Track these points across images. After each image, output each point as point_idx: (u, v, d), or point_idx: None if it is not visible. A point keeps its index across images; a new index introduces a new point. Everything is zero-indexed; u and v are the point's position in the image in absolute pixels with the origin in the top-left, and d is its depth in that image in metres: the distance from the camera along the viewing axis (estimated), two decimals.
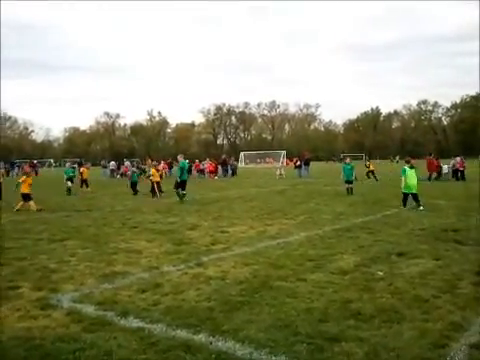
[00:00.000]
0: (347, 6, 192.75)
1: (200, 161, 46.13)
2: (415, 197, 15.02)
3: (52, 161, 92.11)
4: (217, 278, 6.95)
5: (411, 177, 15.06)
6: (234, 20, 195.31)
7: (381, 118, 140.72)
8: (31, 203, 16.85)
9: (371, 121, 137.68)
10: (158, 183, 21.99)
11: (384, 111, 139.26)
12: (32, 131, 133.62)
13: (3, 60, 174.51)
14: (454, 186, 24.63)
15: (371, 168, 31.67)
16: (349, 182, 20.71)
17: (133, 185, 23.59)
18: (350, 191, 20.36)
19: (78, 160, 61.49)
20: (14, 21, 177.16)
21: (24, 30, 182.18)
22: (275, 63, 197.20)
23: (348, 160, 22.21)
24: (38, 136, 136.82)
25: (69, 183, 24.35)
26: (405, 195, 15.10)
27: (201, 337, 4.73)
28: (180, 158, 20.13)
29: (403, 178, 15.07)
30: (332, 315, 5.28)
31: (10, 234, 11.37)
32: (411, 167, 15.27)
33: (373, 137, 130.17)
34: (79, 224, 12.93)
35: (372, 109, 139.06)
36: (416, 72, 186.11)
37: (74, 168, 31.86)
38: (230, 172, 43.00)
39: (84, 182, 25.68)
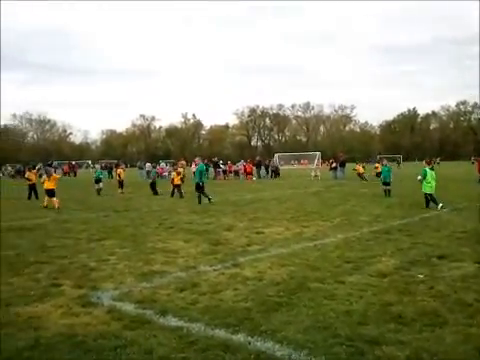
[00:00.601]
0: (379, 5, 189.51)
1: (234, 163, 46.33)
2: (429, 197, 15.46)
3: (90, 162, 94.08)
4: (254, 279, 6.95)
5: (431, 178, 15.54)
6: (266, 20, 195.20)
7: (418, 119, 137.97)
8: (54, 199, 17.99)
9: (408, 122, 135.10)
10: (178, 186, 22.58)
11: (421, 112, 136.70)
12: (70, 133, 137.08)
13: (42, 65, 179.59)
14: None
15: (360, 171, 34.12)
16: (386, 184, 20.39)
17: (152, 185, 24.45)
18: (387, 193, 20.04)
19: (115, 162, 62.50)
20: (48, 26, 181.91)
21: (62, 35, 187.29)
22: (309, 64, 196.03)
23: (385, 162, 21.94)
24: (76, 138, 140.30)
25: (98, 185, 25.22)
26: (430, 195, 15.48)
27: (240, 337, 4.73)
28: (198, 161, 20.70)
29: (421, 178, 15.70)
30: (372, 318, 5.21)
31: (52, 233, 11.69)
32: (431, 168, 15.90)
33: (410, 138, 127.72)
34: (117, 224, 13.18)
35: (409, 110, 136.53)
36: (452, 73, 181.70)
37: (110, 169, 32.42)
38: (270, 173, 42.17)
39: (120, 183, 26.17)
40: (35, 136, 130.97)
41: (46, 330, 5.01)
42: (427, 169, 15.68)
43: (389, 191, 20.15)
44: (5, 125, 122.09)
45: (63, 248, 9.69)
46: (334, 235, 10.60)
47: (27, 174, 23.82)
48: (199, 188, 18.92)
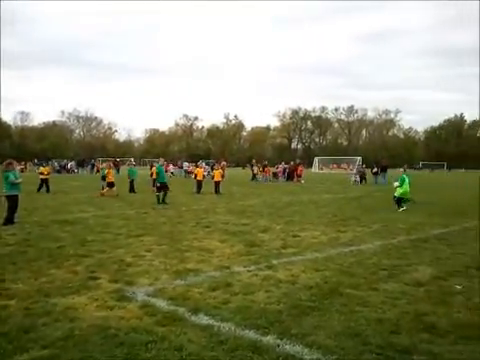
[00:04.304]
0: (433, 6, 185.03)
1: (273, 165, 46.30)
2: (399, 201, 17.02)
3: (132, 160, 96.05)
4: (287, 282, 6.94)
5: (407, 184, 17.07)
6: (314, 21, 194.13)
7: (465, 126, 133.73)
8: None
9: (454, 129, 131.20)
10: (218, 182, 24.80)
11: (469, 118, 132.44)
12: (115, 131, 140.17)
13: (92, 63, 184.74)
14: None
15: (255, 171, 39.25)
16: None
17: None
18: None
19: (155, 160, 63.68)
20: (98, 25, 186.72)
21: (111, 35, 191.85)
22: (354, 66, 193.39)
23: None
24: (121, 136, 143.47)
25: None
26: (401, 200, 17.00)
27: (269, 339, 4.75)
28: (159, 162, 21.50)
29: (401, 184, 16.97)
30: (404, 327, 5.12)
31: (93, 228, 12.00)
32: (407, 174, 17.65)
33: (456, 146, 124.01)
34: (155, 221, 13.41)
35: (456, 116, 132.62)
36: None
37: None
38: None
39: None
40: (81, 133, 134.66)
41: (81, 321, 5.17)
42: (405, 177, 17.20)
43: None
44: (54, 121, 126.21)
45: (102, 242, 9.95)
46: (371, 241, 10.45)
47: (40, 169, 26.14)
48: (160, 188, 19.24)
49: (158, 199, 18.90)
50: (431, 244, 10.14)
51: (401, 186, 17.00)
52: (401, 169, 18.12)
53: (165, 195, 19.09)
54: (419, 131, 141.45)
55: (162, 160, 22.44)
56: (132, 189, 25.04)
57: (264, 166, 41.93)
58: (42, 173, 24.81)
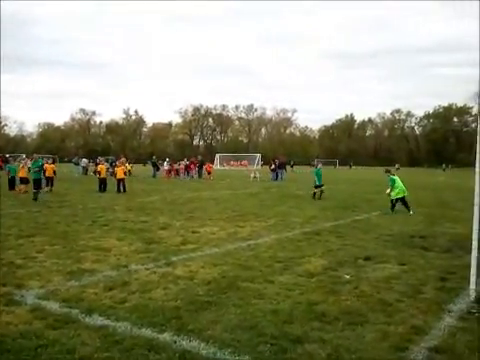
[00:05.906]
0: (330, 12, 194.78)
1: (175, 162, 46.03)
2: (405, 201, 15.68)
3: (24, 156, 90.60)
4: (185, 278, 6.95)
5: (400, 182, 15.84)
6: (216, 20, 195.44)
7: (355, 126, 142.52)
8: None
9: (345, 128, 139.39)
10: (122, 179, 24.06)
11: (359, 119, 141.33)
12: (5, 125, 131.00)
13: None
14: (424, 195, 25.07)
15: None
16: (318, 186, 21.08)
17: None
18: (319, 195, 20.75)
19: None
20: None
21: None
22: (255, 66, 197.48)
23: (320, 165, 22.76)
24: (11, 130, 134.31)
25: None
26: (396, 200, 15.72)
27: (166, 336, 4.72)
28: (36, 157, 21.73)
29: (392, 186, 15.66)
30: (297, 317, 5.34)
31: None
32: (393, 174, 16.25)
33: (347, 144, 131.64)
34: (49, 220, 12.76)
35: (347, 116, 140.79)
36: (393, 81, 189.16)
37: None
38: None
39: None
40: None
41: None
42: (392, 176, 16.02)
43: (321, 193, 20.84)
44: None
45: None
46: (268, 235, 10.79)
47: None
48: (37, 185, 19.08)
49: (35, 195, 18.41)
50: (323, 236, 10.69)
51: (394, 188, 15.65)
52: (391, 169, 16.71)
53: (37, 193, 18.69)
54: (314, 130, 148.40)
55: (36, 155, 22.12)
56: (12, 187, 23.26)
57: (191, 163, 41.84)
58: None
